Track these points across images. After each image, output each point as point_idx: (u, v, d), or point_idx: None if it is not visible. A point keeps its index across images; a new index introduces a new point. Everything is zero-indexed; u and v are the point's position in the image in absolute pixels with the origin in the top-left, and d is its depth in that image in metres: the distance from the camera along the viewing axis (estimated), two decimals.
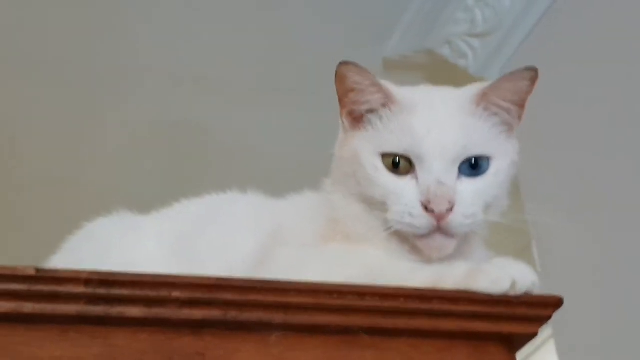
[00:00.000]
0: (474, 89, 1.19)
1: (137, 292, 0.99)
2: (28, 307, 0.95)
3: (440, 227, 1.09)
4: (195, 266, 1.24)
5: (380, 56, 3.01)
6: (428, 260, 1.12)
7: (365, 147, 1.16)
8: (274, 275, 1.07)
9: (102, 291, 0.98)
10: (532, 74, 1.16)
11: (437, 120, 1.14)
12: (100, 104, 3.14)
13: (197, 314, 1.00)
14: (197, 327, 1.01)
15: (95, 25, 2.87)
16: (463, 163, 1.13)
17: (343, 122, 1.21)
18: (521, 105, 1.18)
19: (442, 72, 2.92)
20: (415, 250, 1.13)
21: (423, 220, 1.09)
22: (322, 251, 1.17)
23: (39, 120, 3.16)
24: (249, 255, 1.23)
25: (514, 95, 1.17)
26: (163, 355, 0.99)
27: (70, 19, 2.84)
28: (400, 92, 1.19)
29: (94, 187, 3.27)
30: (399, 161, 1.13)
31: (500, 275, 1.05)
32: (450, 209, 1.09)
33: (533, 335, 1.07)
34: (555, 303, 1.06)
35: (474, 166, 1.13)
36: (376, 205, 1.14)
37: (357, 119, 1.19)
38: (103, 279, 0.98)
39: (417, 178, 1.11)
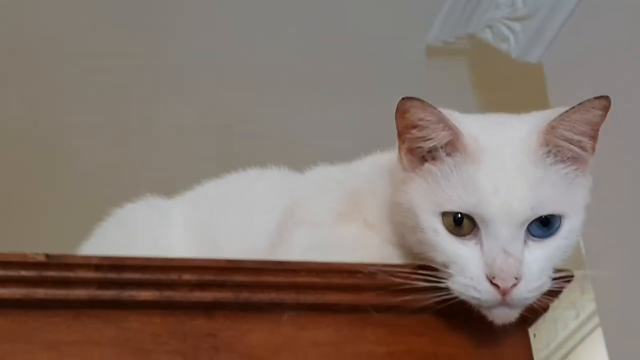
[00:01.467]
0: (540, 122, 1.08)
1: (148, 276, 1.00)
2: (40, 292, 0.97)
3: (504, 300, 1.03)
4: (218, 250, 1.26)
5: (424, 44, 3.00)
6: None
7: (424, 204, 1.07)
8: (286, 257, 1.08)
9: (113, 275, 1.00)
10: (604, 102, 1.04)
11: (504, 176, 1.04)
12: (154, 99, 3.17)
13: (208, 296, 1.02)
14: (209, 309, 1.02)
15: (146, 21, 2.91)
16: (532, 222, 1.04)
17: (402, 159, 1.11)
18: (593, 136, 1.07)
19: (484, 56, 2.89)
20: None
21: (489, 296, 1.02)
22: (335, 234, 1.16)
23: (88, 115, 3.20)
24: (269, 235, 1.24)
25: (585, 126, 1.06)
26: (176, 337, 1.01)
27: (122, 17, 2.89)
28: (467, 128, 1.07)
29: (145, 183, 3.30)
30: (461, 218, 1.04)
31: None
32: (516, 284, 1.02)
33: (545, 309, 1.06)
34: (565, 277, 1.05)
35: (544, 222, 1.05)
36: (437, 264, 1.06)
37: (417, 160, 1.09)
38: (113, 264, 1.00)
39: (481, 243, 1.04)
